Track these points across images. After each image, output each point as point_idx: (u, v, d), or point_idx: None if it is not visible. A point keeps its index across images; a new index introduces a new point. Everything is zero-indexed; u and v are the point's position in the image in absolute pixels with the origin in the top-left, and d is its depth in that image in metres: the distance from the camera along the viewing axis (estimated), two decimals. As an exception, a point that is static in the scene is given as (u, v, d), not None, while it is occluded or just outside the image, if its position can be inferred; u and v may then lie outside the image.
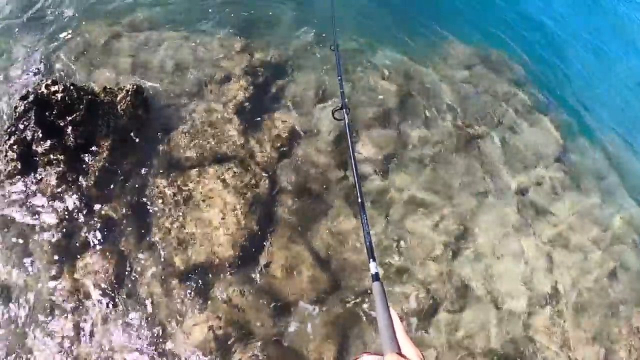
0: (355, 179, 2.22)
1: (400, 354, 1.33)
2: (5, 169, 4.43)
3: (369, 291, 4.55)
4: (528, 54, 8.13)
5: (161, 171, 4.71)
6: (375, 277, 1.65)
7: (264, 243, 4.56)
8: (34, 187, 4.42)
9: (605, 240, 6.01)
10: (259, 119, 5.39)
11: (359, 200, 2.07)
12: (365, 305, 4.46)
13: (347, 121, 2.75)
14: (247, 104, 5.38)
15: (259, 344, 4.02)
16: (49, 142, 4.47)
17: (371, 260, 1.74)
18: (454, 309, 4.75)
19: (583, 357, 4.86)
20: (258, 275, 4.40)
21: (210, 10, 6.65)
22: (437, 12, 8.14)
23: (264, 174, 4.81)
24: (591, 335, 5.03)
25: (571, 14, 9.92)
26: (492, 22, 8.46)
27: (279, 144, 5.16)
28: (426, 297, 4.62)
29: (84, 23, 6.00)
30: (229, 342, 3.98)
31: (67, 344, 3.80)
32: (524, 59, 8.00)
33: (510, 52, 7.94)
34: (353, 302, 4.46)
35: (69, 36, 5.74)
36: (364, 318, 4.39)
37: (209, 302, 4.12)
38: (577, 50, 9.11)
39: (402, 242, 4.97)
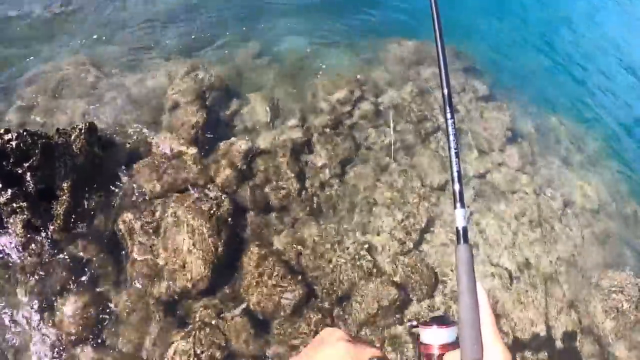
0: (445, 89, 1.37)
1: None
2: (-33, 223, 4.42)
3: (345, 297, 4.73)
4: (473, 46, 8.43)
5: (126, 205, 4.76)
6: (463, 235, 1.17)
7: (236, 262, 4.67)
8: (0, 238, 4.42)
9: (568, 210, 6.31)
10: (214, 142, 5.49)
11: (448, 112, 1.32)
12: (341, 310, 4.63)
13: None
14: (201, 128, 5.45)
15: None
16: (9, 192, 4.45)
17: (459, 205, 1.20)
18: (428, 297, 4.95)
19: (560, 325, 5.12)
20: (234, 294, 4.52)
21: (152, 40, 6.69)
22: (379, 13, 8.35)
23: (225, 196, 4.91)
24: (566, 303, 5.30)
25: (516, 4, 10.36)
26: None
27: (237, 164, 5.25)
28: (397, 291, 4.80)
29: (32, 67, 5.96)
30: (214, 365, 4.09)
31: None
32: (470, 51, 8.29)
33: (456, 45, 8.20)
34: (330, 308, 4.62)
35: (17, 82, 5.71)
36: (342, 323, 4.56)
37: (190, 327, 4.22)
38: (520, 38, 9.52)
39: (368, 244, 5.15)
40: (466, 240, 1.17)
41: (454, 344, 1.15)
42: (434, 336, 1.18)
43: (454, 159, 1.24)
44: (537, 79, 8.64)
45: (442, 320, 1.20)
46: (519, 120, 7.33)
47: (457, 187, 1.22)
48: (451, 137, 1.26)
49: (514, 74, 8.45)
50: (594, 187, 6.80)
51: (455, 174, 1.23)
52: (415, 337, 1.21)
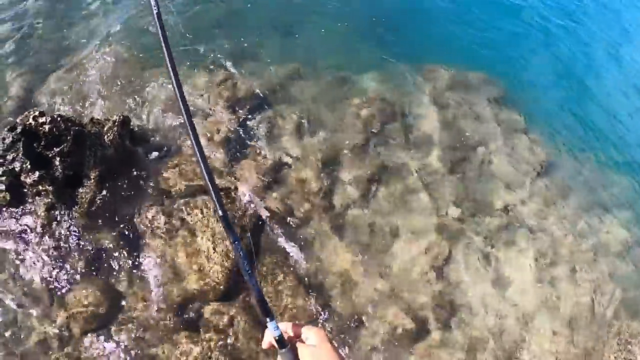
0: (202, 164, 1.38)
1: None
2: (-6, 200, 4.43)
3: (359, 320, 4.65)
4: (506, 74, 8.33)
5: (150, 201, 4.75)
6: (279, 343, 1.20)
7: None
8: (23, 219, 4.42)
9: (592, 253, 6.14)
10: (244, 149, 5.49)
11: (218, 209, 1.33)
12: (354, 329, 4.55)
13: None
14: (232, 135, 5.47)
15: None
16: (37, 173, 4.46)
17: (267, 319, 1.22)
18: (445, 330, 4.85)
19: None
20: (249, 303, 4.46)
21: (192, 43, 6.73)
22: (414, 37, 8.33)
23: (250, 204, 4.89)
24: (582, 350, 5.13)
25: (547, 32, 10.21)
26: (469, 44, 8.68)
27: (264, 174, 5.26)
28: (415, 321, 4.71)
29: (71, 56, 6.02)
30: (223, 373, 4.02)
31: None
32: (503, 79, 8.20)
33: (489, 73, 8.13)
34: (345, 326, 4.55)
35: (56, 68, 5.77)
36: (357, 343, 4.48)
37: (202, 332, 4.16)
38: (555, 67, 9.36)
39: (388, 269, 5.08)
40: (283, 346, 1.19)
41: None
42: None
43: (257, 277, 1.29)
44: (575, 114, 8.46)
45: None
46: (551, 155, 7.21)
47: (262, 303, 1.24)
48: (242, 261, 1.29)
49: (550, 107, 8.32)
50: (622, 230, 6.63)
51: (256, 292, 1.26)
52: None
